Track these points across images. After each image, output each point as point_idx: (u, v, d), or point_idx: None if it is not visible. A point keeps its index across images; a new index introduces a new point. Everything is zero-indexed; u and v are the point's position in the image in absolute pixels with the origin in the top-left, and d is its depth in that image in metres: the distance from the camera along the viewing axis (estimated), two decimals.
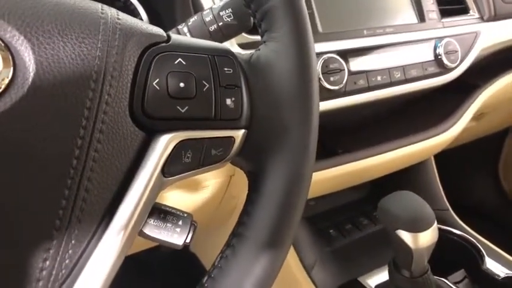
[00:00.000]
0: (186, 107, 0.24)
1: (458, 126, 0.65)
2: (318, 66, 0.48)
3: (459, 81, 0.71)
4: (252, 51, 0.29)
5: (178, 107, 0.24)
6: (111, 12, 0.24)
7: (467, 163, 1.31)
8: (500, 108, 0.91)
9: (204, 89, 0.25)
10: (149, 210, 0.25)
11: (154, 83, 0.24)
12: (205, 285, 0.26)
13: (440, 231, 0.63)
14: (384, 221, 0.46)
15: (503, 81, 0.75)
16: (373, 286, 0.53)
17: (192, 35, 0.36)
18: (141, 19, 0.50)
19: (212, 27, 0.36)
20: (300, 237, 0.57)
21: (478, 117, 0.93)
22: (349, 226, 0.64)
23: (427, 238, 0.44)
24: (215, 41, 0.30)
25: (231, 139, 0.27)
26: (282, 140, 0.27)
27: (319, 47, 0.50)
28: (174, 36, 0.26)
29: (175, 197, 0.52)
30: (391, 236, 0.45)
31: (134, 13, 0.50)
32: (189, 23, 0.36)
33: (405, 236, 0.44)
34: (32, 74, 0.20)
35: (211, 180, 0.55)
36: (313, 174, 0.53)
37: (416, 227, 0.43)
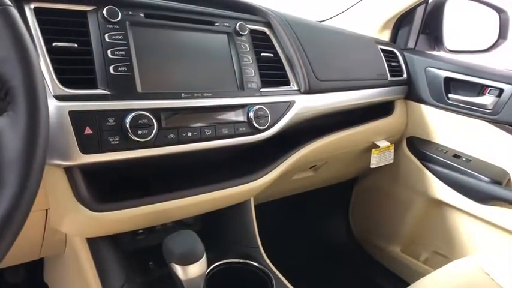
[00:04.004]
0: None
1: (271, 175, 0.79)
2: (127, 120, 0.57)
3: (286, 137, 0.86)
4: None
5: None
6: None
7: (324, 207, 1.51)
8: (330, 162, 1.10)
9: None
10: None
11: None
12: None
13: (245, 265, 0.75)
14: (164, 255, 0.55)
15: (319, 142, 0.92)
16: None
17: None
18: None
19: None
20: (111, 265, 0.64)
21: (313, 168, 1.10)
22: None
23: (195, 270, 0.54)
24: None
25: None
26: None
27: (135, 104, 0.60)
28: None
29: None
30: (169, 268, 0.54)
31: None
32: None
33: (176, 268, 0.53)
34: None
35: None
36: (127, 211, 0.61)
37: (185, 261, 0.53)
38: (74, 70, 0.57)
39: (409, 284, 0.87)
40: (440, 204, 1.18)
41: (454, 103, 1.10)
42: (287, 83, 0.84)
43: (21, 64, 0.35)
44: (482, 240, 1.12)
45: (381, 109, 1.14)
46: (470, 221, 1.13)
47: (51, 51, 0.56)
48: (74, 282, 0.75)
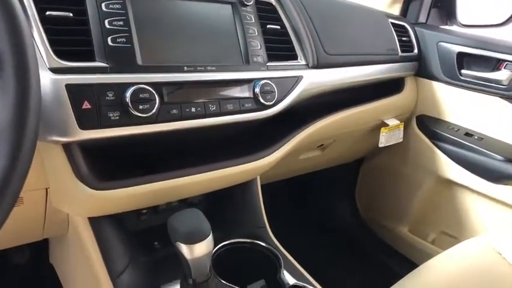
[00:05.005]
0: None
1: (278, 154, 0.76)
2: (127, 94, 0.55)
3: (294, 114, 0.83)
4: None
5: None
6: None
7: (330, 187, 1.49)
8: (338, 141, 1.07)
9: None
10: None
11: None
12: None
13: (252, 245, 0.73)
14: (169, 234, 0.53)
15: (327, 119, 0.89)
16: None
17: None
18: None
19: None
20: (114, 246, 0.62)
21: (321, 147, 1.08)
22: None
23: (201, 249, 0.51)
24: None
25: None
26: None
27: (135, 78, 0.57)
28: None
29: None
30: (174, 247, 0.52)
31: None
32: None
33: (182, 247, 0.51)
34: None
35: (25, 192, 0.58)
36: (128, 189, 0.58)
37: (190, 240, 0.51)
38: (69, 41, 0.54)
39: (416, 265, 0.86)
40: (450, 183, 1.15)
41: (467, 79, 1.05)
42: (294, 57, 0.80)
43: (9, 29, 0.33)
44: (493, 220, 1.10)
45: (391, 86, 1.10)
46: (481, 201, 1.11)
47: (45, 21, 0.52)
48: (78, 263, 0.74)
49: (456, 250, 0.87)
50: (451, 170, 1.11)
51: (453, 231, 1.21)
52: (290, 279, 0.67)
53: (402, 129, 1.15)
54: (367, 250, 1.36)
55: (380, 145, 1.10)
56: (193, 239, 0.51)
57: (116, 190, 0.56)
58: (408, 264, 1.22)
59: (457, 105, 1.10)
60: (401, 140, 1.16)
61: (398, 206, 1.32)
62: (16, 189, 0.33)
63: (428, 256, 0.88)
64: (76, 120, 0.51)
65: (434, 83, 1.13)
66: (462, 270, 0.80)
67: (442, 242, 1.23)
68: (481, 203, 1.11)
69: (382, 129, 1.09)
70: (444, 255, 0.86)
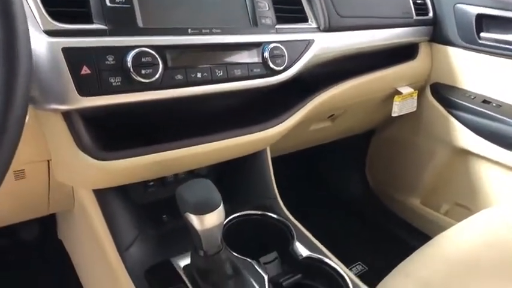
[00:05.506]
0: None
1: (288, 123, 0.72)
2: (129, 58, 0.51)
3: (304, 83, 0.79)
4: None
5: None
6: None
7: (341, 160, 1.46)
8: (349, 111, 1.03)
9: None
10: None
11: None
12: None
13: (264, 217, 0.71)
14: (178, 205, 0.50)
15: (339, 87, 0.84)
16: (182, 266, 0.58)
17: None
18: None
19: None
20: (121, 219, 0.60)
21: (332, 117, 1.04)
22: None
23: (212, 219, 0.49)
24: None
25: None
26: None
27: (136, 41, 0.53)
28: None
29: None
30: (184, 219, 0.50)
31: None
32: None
33: (191, 218, 0.49)
34: None
35: (26, 164, 0.56)
36: (133, 159, 0.56)
37: (200, 210, 0.48)
38: (64, 1, 0.50)
39: (429, 237, 0.84)
40: (464, 153, 1.11)
41: (486, 43, 1.00)
42: (305, 20, 0.75)
43: None
44: (508, 189, 1.07)
45: (404, 53, 1.05)
46: (496, 170, 1.07)
47: None
48: (85, 237, 0.73)
49: (470, 222, 0.84)
50: (466, 139, 1.07)
51: (467, 203, 1.18)
52: (303, 251, 0.65)
53: (416, 97, 1.10)
54: (378, 222, 1.34)
55: (393, 114, 1.06)
56: (203, 209, 0.48)
57: (120, 161, 0.53)
58: (421, 236, 1.20)
59: (474, 71, 1.05)
60: (414, 109, 1.12)
61: (410, 177, 1.29)
62: (8, 152, 0.30)
63: (441, 228, 0.85)
64: (75, 86, 0.48)
65: (450, 49, 1.07)
66: (476, 242, 0.78)
67: (455, 213, 1.21)
68: (496, 173, 1.08)
69: (396, 97, 1.04)
70: (458, 226, 0.83)
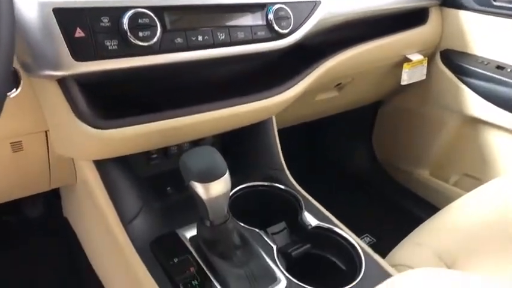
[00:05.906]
0: None
1: (294, 90, 0.69)
2: (125, 20, 0.48)
3: (310, 50, 0.75)
4: None
5: None
6: None
7: (347, 132, 1.43)
8: (357, 79, 0.99)
9: None
10: None
11: None
12: None
13: (271, 188, 0.69)
14: (182, 173, 0.48)
15: (346, 53, 0.81)
16: (188, 237, 0.57)
17: None
18: None
19: None
20: (124, 191, 0.59)
21: (338, 87, 1.00)
22: None
23: (218, 188, 0.47)
24: None
25: None
26: None
27: (132, 1, 0.49)
28: None
29: None
30: (188, 188, 0.48)
31: None
32: None
33: (197, 186, 0.47)
34: None
35: (23, 136, 0.54)
36: (133, 128, 0.53)
37: (205, 178, 0.46)
38: None
39: (437, 208, 0.82)
40: (475, 122, 1.08)
41: (502, 4, 0.95)
42: None
43: None
44: None
45: (413, 18, 1.00)
46: (508, 139, 1.04)
47: None
48: (89, 212, 0.71)
49: (480, 191, 0.82)
50: (478, 106, 1.03)
51: (476, 173, 1.16)
52: (312, 221, 0.63)
53: (425, 65, 1.06)
54: (385, 194, 1.32)
55: (402, 83, 1.02)
56: (208, 177, 0.46)
57: (119, 129, 0.50)
58: (429, 207, 1.19)
59: (488, 36, 1.00)
60: (424, 77, 1.07)
61: (418, 148, 1.26)
62: None
63: (449, 199, 0.84)
64: (69, 50, 0.46)
65: (462, 13, 1.02)
66: (487, 212, 0.76)
67: (464, 184, 1.19)
68: (508, 141, 1.05)
69: (405, 64, 1.00)
70: (467, 197, 0.81)
